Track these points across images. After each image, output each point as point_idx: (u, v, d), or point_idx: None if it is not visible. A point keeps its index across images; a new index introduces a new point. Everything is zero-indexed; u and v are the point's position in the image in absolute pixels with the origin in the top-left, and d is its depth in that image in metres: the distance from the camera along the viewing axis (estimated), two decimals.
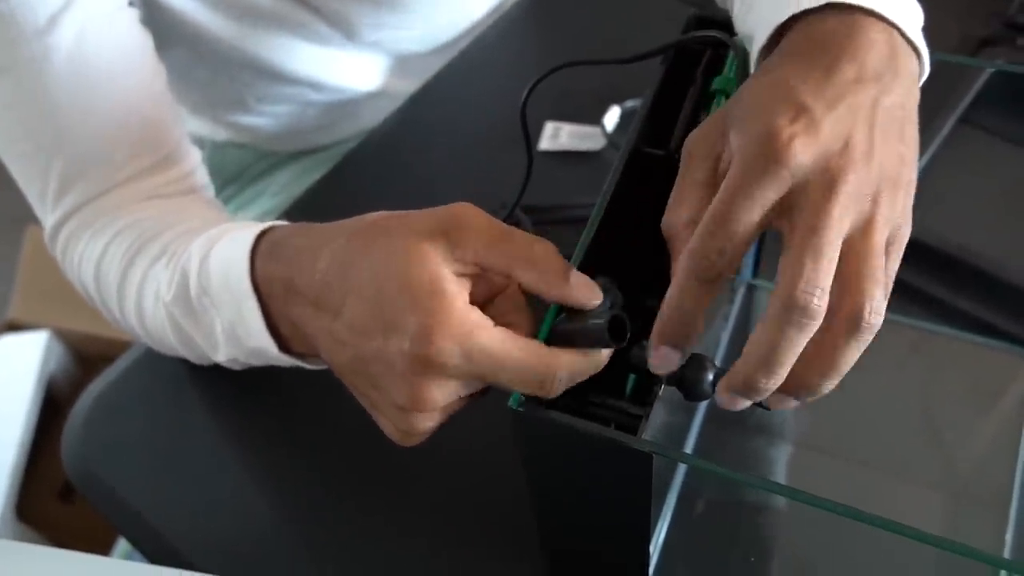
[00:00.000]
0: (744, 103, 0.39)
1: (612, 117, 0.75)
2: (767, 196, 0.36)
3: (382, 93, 0.88)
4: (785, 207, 0.36)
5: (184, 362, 0.68)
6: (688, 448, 0.61)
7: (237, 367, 0.59)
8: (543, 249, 0.40)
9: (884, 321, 0.41)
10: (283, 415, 0.66)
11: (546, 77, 0.51)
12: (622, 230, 0.44)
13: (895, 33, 0.41)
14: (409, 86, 0.86)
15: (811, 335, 0.36)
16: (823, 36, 0.41)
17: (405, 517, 0.59)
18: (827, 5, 0.41)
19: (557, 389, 0.39)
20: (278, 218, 0.75)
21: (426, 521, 0.59)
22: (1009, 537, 0.55)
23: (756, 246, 0.66)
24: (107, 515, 0.63)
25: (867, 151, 0.37)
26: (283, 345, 0.51)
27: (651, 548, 0.56)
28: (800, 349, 0.36)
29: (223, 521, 0.60)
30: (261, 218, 0.88)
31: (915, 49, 0.42)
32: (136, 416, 0.67)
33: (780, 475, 0.61)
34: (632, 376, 0.43)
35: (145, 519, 0.61)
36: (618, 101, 0.76)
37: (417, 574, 0.57)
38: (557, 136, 0.75)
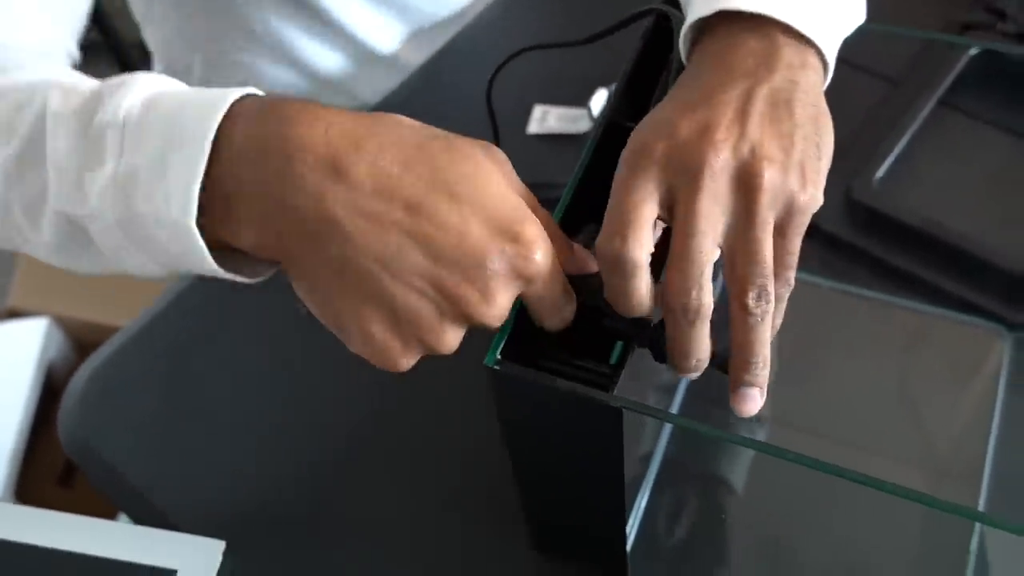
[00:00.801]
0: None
1: (599, 99, 0.76)
2: (646, 193, 0.40)
3: (390, 62, 0.88)
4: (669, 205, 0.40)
5: (180, 337, 0.70)
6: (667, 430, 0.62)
7: (55, 258, 0.51)
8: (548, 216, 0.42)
9: (862, 298, 0.43)
10: (277, 388, 0.67)
11: (505, 64, 0.53)
12: (596, 200, 0.45)
13: (782, 31, 0.43)
14: (415, 59, 0.86)
15: (706, 323, 0.39)
16: (715, 47, 0.44)
17: (396, 488, 0.61)
18: (722, 13, 0.44)
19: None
20: None
21: (416, 490, 0.61)
22: (982, 505, 0.56)
23: None
24: (105, 489, 0.64)
25: (734, 135, 0.39)
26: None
27: (632, 516, 0.58)
28: (703, 336, 0.39)
29: (220, 494, 0.62)
30: None
31: (811, 44, 0.44)
32: (132, 391, 0.68)
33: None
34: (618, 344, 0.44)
35: (142, 493, 0.62)
36: (605, 84, 0.78)
37: (406, 540, 0.59)
38: (545, 119, 0.77)
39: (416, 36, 0.88)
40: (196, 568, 0.51)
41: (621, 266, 0.39)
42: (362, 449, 0.63)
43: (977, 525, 0.52)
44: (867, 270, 0.67)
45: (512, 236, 0.38)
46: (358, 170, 0.38)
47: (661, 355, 0.41)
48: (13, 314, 1.40)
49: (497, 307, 0.39)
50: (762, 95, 0.41)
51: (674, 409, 0.62)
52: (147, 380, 0.68)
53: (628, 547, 0.57)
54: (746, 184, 0.39)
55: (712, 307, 0.39)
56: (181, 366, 0.69)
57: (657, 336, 0.41)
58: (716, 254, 0.39)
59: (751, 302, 0.38)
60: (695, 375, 0.41)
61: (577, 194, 0.44)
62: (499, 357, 0.40)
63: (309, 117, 0.39)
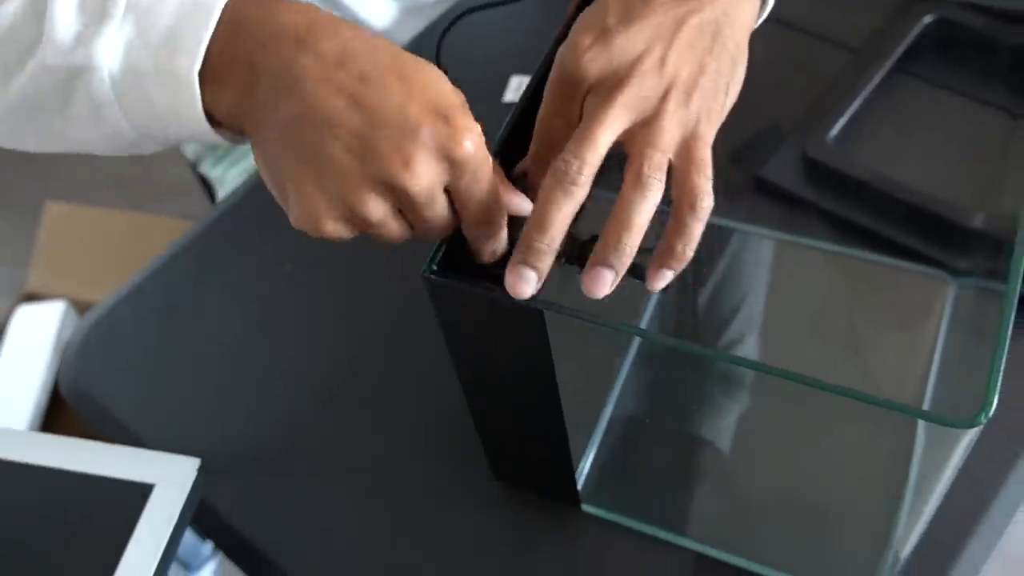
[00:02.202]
0: (574, 27, 0.47)
1: None
2: (571, 105, 0.45)
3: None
4: None
5: (170, 294, 0.74)
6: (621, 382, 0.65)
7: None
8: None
9: (816, 249, 0.45)
10: (258, 339, 0.71)
11: (451, 26, 0.56)
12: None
13: None
14: (406, 36, 0.89)
15: (576, 200, 0.43)
16: None
17: (368, 427, 0.65)
18: None
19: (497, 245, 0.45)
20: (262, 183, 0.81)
21: (385, 428, 0.64)
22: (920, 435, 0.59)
23: None
24: (96, 428, 0.68)
25: (657, 61, 0.44)
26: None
27: (586, 454, 0.61)
28: (567, 211, 0.43)
29: (200, 430, 0.66)
30: (256, 177, 0.93)
31: None
32: (124, 343, 0.72)
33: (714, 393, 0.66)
34: None
35: (128, 428, 0.66)
36: None
37: (373, 473, 0.63)
38: (520, 88, 0.80)
39: (409, 13, 0.92)
40: (172, 482, 0.55)
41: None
42: (338, 393, 0.67)
43: (915, 458, 0.54)
44: (821, 223, 0.69)
45: (446, 119, 0.41)
46: (327, 45, 0.42)
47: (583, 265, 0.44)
48: (31, 297, 1.43)
49: (417, 176, 0.41)
50: (695, 22, 0.45)
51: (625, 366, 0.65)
52: (138, 332, 0.73)
53: (582, 479, 0.60)
54: (660, 101, 0.44)
55: (583, 196, 0.43)
56: (169, 320, 0.73)
57: (581, 251, 0.44)
58: (599, 156, 0.43)
59: (645, 174, 0.43)
60: (542, 264, 0.43)
61: (515, 129, 0.48)
62: (434, 268, 0.43)
63: (301, 10, 0.44)
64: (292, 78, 0.42)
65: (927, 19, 0.76)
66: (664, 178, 0.43)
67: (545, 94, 0.47)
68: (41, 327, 1.37)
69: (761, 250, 0.71)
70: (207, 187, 1.12)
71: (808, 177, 0.71)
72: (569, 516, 0.59)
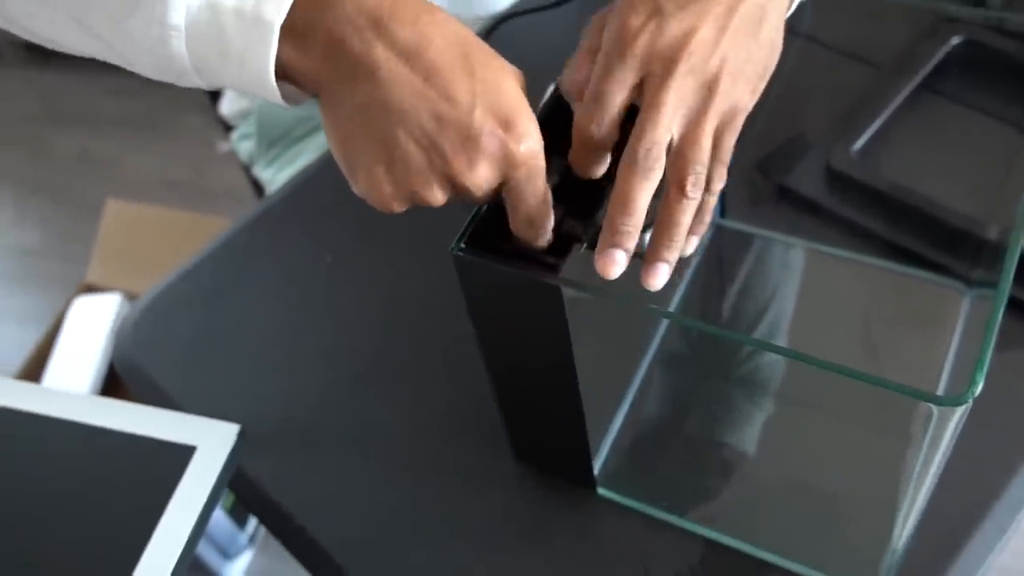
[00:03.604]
0: (618, 5, 0.47)
1: None
2: (625, 78, 0.45)
3: None
4: (642, 86, 0.45)
5: (217, 278, 0.77)
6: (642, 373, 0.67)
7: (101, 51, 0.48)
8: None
9: (838, 258, 0.47)
10: (298, 321, 0.73)
11: (491, 33, 0.58)
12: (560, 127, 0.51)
13: None
14: None
15: (654, 182, 0.44)
16: None
17: (398, 407, 0.67)
18: None
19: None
20: (318, 169, 0.84)
21: (415, 408, 0.66)
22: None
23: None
24: (143, 398, 0.71)
25: (710, 44, 0.45)
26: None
27: (605, 438, 0.63)
28: (647, 194, 0.44)
29: (241, 399, 0.68)
30: (300, 176, 0.95)
31: None
32: (175, 322, 0.75)
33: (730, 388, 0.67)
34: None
35: (173, 398, 0.69)
36: None
37: (403, 449, 0.65)
38: None
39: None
40: (213, 445, 0.58)
41: (588, 141, 0.46)
42: (371, 373, 0.69)
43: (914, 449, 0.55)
44: (842, 232, 0.70)
45: (508, 125, 0.43)
46: (403, 33, 0.42)
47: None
48: (90, 289, 1.48)
49: (477, 176, 0.43)
50: (743, 9, 0.46)
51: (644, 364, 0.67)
52: (185, 314, 0.76)
53: (599, 463, 0.62)
54: (709, 88, 0.45)
55: (661, 175, 0.45)
56: (215, 304, 0.76)
57: (596, 236, 0.46)
58: (668, 137, 0.45)
59: (689, 185, 0.44)
60: (630, 244, 0.45)
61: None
62: (462, 246, 0.46)
63: None
64: (369, 65, 0.42)
65: (955, 40, 0.77)
66: (704, 183, 0.45)
67: (595, 68, 0.47)
68: (97, 316, 1.42)
69: (784, 256, 0.72)
70: (258, 190, 1.16)
71: (831, 188, 0.72)
72: (585, 499, 0.61)
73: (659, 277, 0.45)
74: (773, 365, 0.61)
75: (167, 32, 0.43)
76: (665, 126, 0.44)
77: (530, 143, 0.44)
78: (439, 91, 0.43)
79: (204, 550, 1.32)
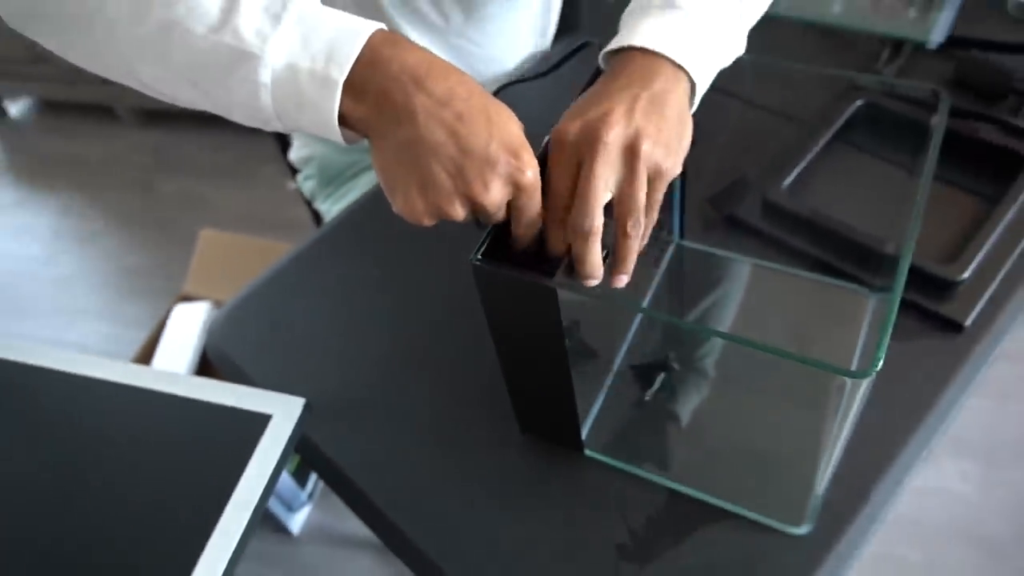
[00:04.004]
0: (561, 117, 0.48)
1: None
2: (568, 168, 0.46)
3: None
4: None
5: (292, 283, 0.76)
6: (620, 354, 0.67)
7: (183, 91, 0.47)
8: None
9: (774, 271, 0.47)
10: (356, 321, 0.73)
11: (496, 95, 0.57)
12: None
13: (662, 61, 0.48)
14: None
15: (597, 240, 0.45)
16: (616, 67, 0.49)
17: (429, 383, 0.66)
18: (632, 47, 0.49)
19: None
20: (366, 201, 0.84)
21: (449, 386, 0.66)
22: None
23: (680, 213, 0.72)
24: (229, 380, 0.71)
25: (623, 119, 0.45)
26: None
27: (590, 413, 0.63)
28: (595, 248, 0.45)
29: (309, 382, 0.67)
30: (352, 207, 0.91)
31: (680, 68, 0.49)
32: (254, 318, 0.75)
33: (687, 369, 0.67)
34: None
35: (253, 380, 0.68)
36: None
37: (431, 420, 0.64)
38: None
39: None
40: (284, 414, 0.58)
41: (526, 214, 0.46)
42: (410, 361, 0.69)
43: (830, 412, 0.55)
44: (776, 250, 0.71)
45: (515, 155, 0.44)
46: (438, 87, 0.43)
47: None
48: (185, 298, 1.48)
49: (492, 196, 0.44)
50: (645, 96, 0.47)
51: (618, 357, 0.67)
52: (263, 312, 0.75)
53: (585, 430, 0.61)
54: (631, 152, 0.45)
55: (601, 231, 0.45)
56: (287, 306, 0.75)
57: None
58: (607, 197, 0.45)
59: (630, 228, 0.45)
60: (594, 282, 0.46)
61: None
62: (480, 257, 0.46)
63: (423, 57, 0.44)
64: (410, 111, 0.43)
65: (859, 102, 0.78)
66: (643, 222, 0.46)
67: (548, 164, 0.47)
68: (192, 319, 1.42)
69: (731, 269, 0.72)
70: (318, 220, 1.16)
71: (767, 216, 0.72)
72: (575, 459, 0.61)
73: (621, 284, 0.46)
74: (723, 352, 0.61)
75: (257, 88, 0.44)
76: (598, 194, 0.44)
77: (532, 170, 0.45)
78: (464, 131, 0.43)
79: (272, 504, 1.32)
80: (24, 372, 0.64)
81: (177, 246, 1.85)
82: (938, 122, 0.50)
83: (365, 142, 0.47)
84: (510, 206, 0.46)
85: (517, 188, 0.45)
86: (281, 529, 1.37)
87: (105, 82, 0.96)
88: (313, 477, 1.39)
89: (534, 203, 0.46)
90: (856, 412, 0.43)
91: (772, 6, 0.58)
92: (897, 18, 0.90)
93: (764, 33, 0.59)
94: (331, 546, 1.37)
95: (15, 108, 2.43)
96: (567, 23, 1.02)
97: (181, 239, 1.85)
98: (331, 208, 1.04)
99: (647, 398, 0.61)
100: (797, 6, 0.93)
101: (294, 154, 1.09)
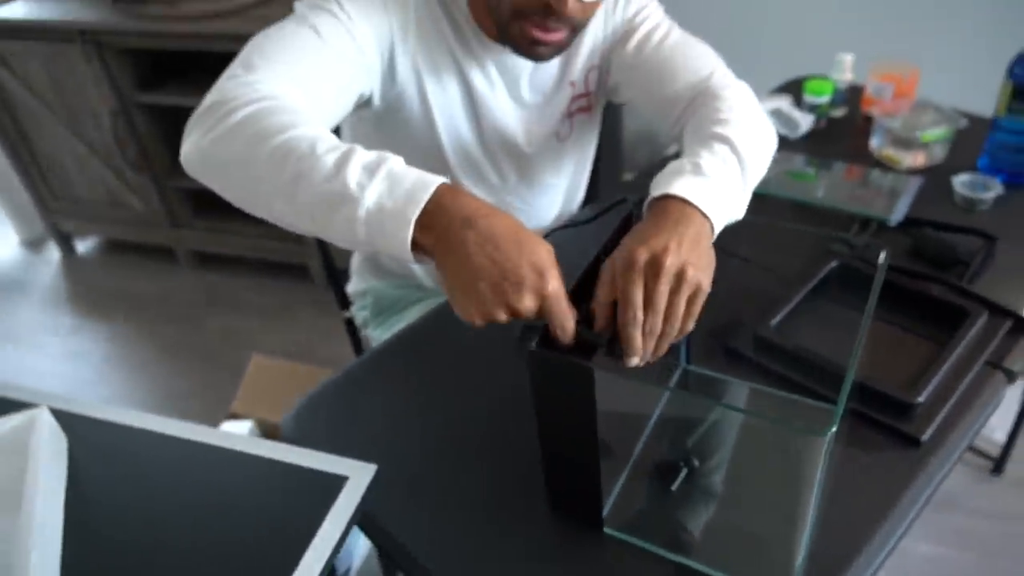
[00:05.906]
0: (626, 240, 0.63)
1: None
2: (637, 284, 0.60)
3: None
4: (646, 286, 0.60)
5: (356, 384, 0.85)
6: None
7: (297, 219, 0.61)
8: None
9: (762, 392, 0.61)
10: (413, 417, 0.81)
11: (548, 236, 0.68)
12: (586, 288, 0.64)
13: (694, 209, 0.64)
14: None
15: (640, 327, 0.59)
16: (660, 211, 0.65)
17: (478, 462, 0.74)
18: (666, 196, 0.66)
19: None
20: (413, 329, 0.94)
21: (496, 473, 0.74)
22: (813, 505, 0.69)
23: (687, 344, 0.84)
24: None
25: (676, 252, 0.60)
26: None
27: (611, 494, 0.71)
28: (639, 332, 0.59)
29: (377, 456, 0.70)
30: (400, 334, 0.99)
31: (707, 217, 0.65)
32: (328, 410, 0.83)
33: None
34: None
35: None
36: None
37: (476, 494, 0.71)
38: None
39: None
40: (358, 477, 0.67)
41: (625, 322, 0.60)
42: (456, 448, 0.77)
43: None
44: (765, 376, 0.81)
45: (541, 274, 0.57)
46: (482, 224, 0.57)
47: (615, 354, 0.60)
48: (233, 416, 1.56)
49: (524, 304, 0.56)
50: (689, 235, 0.62)
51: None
52: (333, 408, 0.84)
53: (606, 510, 0.69)
54: (679, 276, 0.60)
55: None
56: (347, 404, 0.84)
57: (612, 347, 0.60)
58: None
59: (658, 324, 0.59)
60: (636, 362, 0.59)
61: (576, 288, 0.64)
62: (533, 347, 0.58)
63: (473, 203, 0.58)
64: (461, 242, 0.56)
65: (833, 263, 0.92)
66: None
67: (606, 272, 0.61)
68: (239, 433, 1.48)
69: (728, 390, 0.83)
70: (358, 352, 1.25)
71: (758, 348, 0.84)
72: (595, 535, 0.68)
73: (634, 361, 0.60)
74: (722, 435, 0.71)
75: (354, 224, 0.58)
76: (662, 306, 0.60)
77: (554, 284, 0.58)
78: (500, 257, 0.56)
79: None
80: (132, 435, 0.72)
81: (222, 375, 1.90)
82: (881, 265, 0.64)
83: (417, 280, 0.61)
84: (542, 309, 0.58)
85: (544, 297, 0.57)
86: None
87: (171, 226, 1.04)
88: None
89: (559, 308, 0.58)
90: (823, 470, 0.53)
91: (768, 187, 0.75)
92: (867, 201, 1.08)
93: (760, 206, 0.73)
94: None
95: (83, 245, 2.58)
96: (589, 194, 1.21)
97: (226, 369, 1.91)
98: (381, 335, 1.15)
99: (672, 488, 0.69)
100: (788, 188, 1.12)
101: (351, 287, 1.21)
